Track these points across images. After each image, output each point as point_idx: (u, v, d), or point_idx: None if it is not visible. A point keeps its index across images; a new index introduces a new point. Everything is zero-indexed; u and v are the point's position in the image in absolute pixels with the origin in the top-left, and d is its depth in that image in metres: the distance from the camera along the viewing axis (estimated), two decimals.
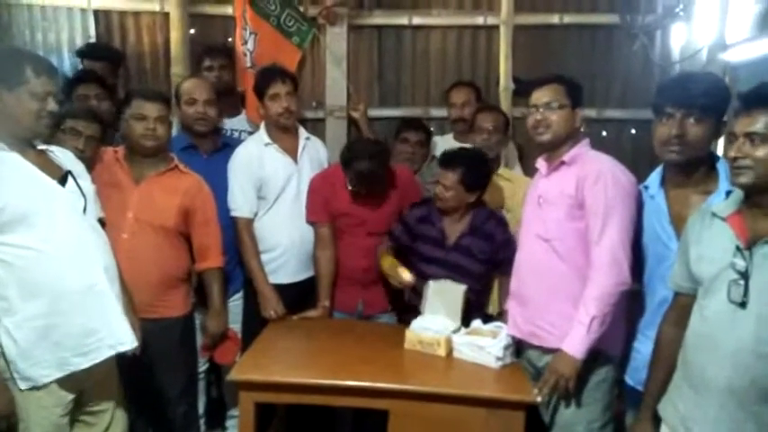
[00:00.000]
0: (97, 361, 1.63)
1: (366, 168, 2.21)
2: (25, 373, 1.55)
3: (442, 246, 2.21)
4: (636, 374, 1.76)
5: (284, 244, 2.40)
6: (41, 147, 1.68)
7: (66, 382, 1.60)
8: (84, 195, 1.68)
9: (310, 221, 2.40)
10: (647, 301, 1.77)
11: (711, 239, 1.42)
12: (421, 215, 2.26)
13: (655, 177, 1.77)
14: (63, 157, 1.72)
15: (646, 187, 1.79)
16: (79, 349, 1.60)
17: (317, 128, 3.22)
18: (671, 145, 1.64)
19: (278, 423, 2.23)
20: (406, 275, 2.15)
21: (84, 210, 1.67)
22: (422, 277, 2.20)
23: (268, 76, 2.44)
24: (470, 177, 2.14)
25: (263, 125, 2.50)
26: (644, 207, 1.77)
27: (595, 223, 1.70)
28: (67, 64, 3.17)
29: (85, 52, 2.92)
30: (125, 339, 1.68)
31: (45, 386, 1.57)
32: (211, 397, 2.62)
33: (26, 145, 1.61)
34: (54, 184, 1.61)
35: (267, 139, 2.44)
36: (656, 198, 1.73)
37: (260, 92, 2.43)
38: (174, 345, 2.13)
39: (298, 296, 2.40)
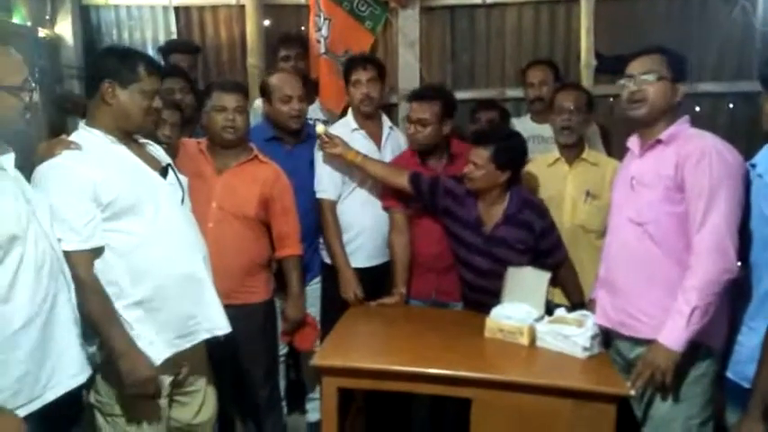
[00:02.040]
0: (195, 342, 1.72)
1: (420, 102, 2.24)
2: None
3: (479, 232, 2.14)
4: (739, 368, 1.63)
5: (362, 227, 2.44)
6: (141, 140, 1.77)
7: (165, 366, 1.67)
8: (182, 187, 1.77)
9: (385, 207, 2.41)
10: (752, 289, 1.63)
11: None
12: (452, 189, 2.19)
13: (765, 154, 1.62)
14: (158, 151, 1.80)
15: (753, 165, 1.64)
16: (180, 331, 1.68)
17: (390, 113, 3.20)
18: None
19: (357, 409, 2.25)
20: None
21: (182, 201, 1.75)
22: (466, 266, 2.18)
23: (352, 62, 2.51)
24: (502, 154, 2.06)
25: (350, 111, 2.55)
26: (751, 187, 1.63)
27: (698, 206, 1.58)
28: None
29: (166, 49, 3.04)
30: (221, 324, 1.76)
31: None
32: (290, 380, 2.69)
33: (130, 138, 1.70)
34: (156, 175, 1.70)
35: (354, 125, 2.49)
36: (765, 177, 1.58)
37: (346, 78, 2.50)
38: (257, 329, 2.19)
39: (371, 281, 2.42)
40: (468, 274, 2.21)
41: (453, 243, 2.24)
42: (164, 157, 1.79)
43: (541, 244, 2.12)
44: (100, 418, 1.68)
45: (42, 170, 1.54)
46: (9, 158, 1.45)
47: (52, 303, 1.45)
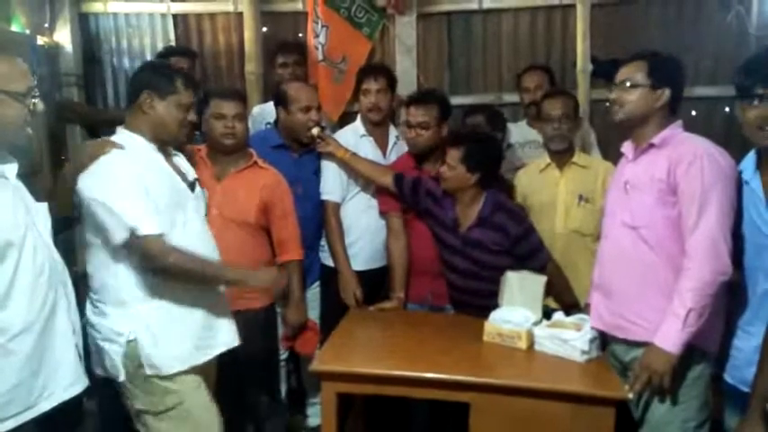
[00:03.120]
0: (210, 357, 1.75)
1: (418, 107, 2.27)
2: (153, 360, 1.63)
3: (456, 233, 2.17)
4: (736, 373, 1.64)
5: (362, 231, 2.47)
6: (172, 152, 1.81)
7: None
8: (204, 200, 1.83)
9: (382, 212, 2.43)
10: (747, 293, 1.64)
11: None
12: (432, 190, 2.23)
13: (750, 161, 1.64)
14: (185, 163, 1.85)
15: (740, 171, 1.66)
16: (198, 342, 1.71)
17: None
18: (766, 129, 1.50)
19: (356, 414, 2.25)
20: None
21: (205, 214, 1.82)
22: (449, 267, 2.21)
23: (364, 71, 2.57)
24: (473, 156, 2.10)
25: (359, 117, 2.60)
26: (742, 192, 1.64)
27: (691, 209, 1.59)
28: None
29: (164, 53, 3.05)
30: (235, 336, 1.81)
31: (171, 376, 1.65)
32: (291, 385, 2.69)
33: (164, 150, 1.75)
34: (186, 187, 1.75)
35: (362, 131, 2.55)
36: (752, 183, 1.60)
37: (357, 86, 2.57)
38: (258, 335, 2.19)
39: (370, 285, 2.45)
40: (451, 275, 2.24)
41: (436, 244, 2.27)
42: (191, 171, 1.84)
43: (518, 248, 2.13)
44: (152, 421, 1.66)
45: (101, 164, 1.58)
46: (12, 168, 1.47)
47: (50, 312, 1.46)
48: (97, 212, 1.56)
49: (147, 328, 1.63)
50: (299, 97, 2.40)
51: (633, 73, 1.71)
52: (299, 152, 2.49)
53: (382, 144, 2.57)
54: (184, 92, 1.71)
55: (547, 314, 2.00)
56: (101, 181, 1.57)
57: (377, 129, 2.56)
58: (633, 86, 1.70)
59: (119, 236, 1.55)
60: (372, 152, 2.51)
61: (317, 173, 2.48)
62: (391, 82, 2.55)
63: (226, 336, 1.78)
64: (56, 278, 1.48)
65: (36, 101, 1.47)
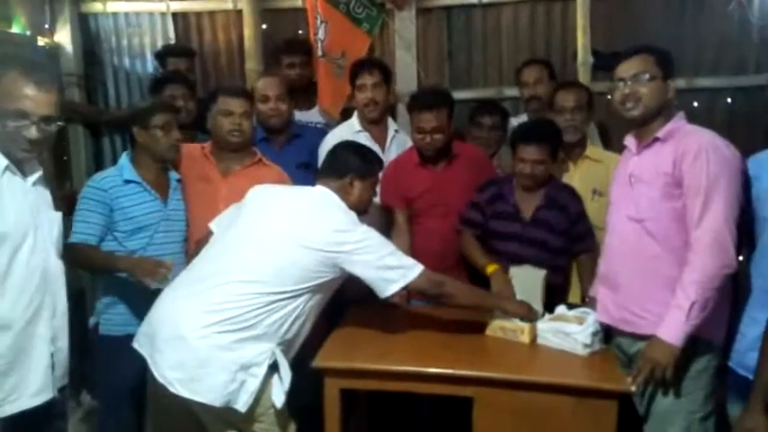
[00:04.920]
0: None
1: (431, 112, 2.22)
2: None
3: (518, 220, 2.16)
4: (738, 358, 1.64)
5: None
6: None
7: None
8: None
9: (385, 208, 2.41)
10: (754, 280, 1.64)
11: None
12: (492, 194, 2.23)
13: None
14: None
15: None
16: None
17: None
18: None
19: (360, 409, 2.26)
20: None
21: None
22: (499, 255, 2.18)
23: (358, 66, 2.55)
24: (556, 147, 2.14)
25: (355, 113, 2.58)
26: (750, 182, 1.64)
27: (696, 202, 1.59)
28: (150, 66, 3.33)
29: (162, 53, 3.05)
30: None
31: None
32: None
33: None
34: None
35: (358, 127, 2.54)
36: None
37: (351, 82, 2.55)
38: None
39: None
40: (501, 264, 2.18)
41: (488, 237, 2.23)
42: None
43: (575, 228, 2.16)
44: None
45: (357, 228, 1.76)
46: (34, 174, 1.52)
47: (34, 315, 1.46)
48: (363, 270, 1.74)
49: (279, 362, 1.67)
50: (257, 88, 2.48)
51: (645, 66, 1.69)
52: (281, 145, 2.51)
53: (380, 139, 2.55)
54: (377, 173, 1.96)
55: (550, 308, 2.00)
56: (369, 242, 1.74)
57: (374, 124, 2.55)
58: (652, 79, 1.68)
59: (396, 286, 1.76)
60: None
61: (300, 166, 2.48)
62: (386, 75, 2.54)
63: None
64: (48, 285, 1.49)
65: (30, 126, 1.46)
